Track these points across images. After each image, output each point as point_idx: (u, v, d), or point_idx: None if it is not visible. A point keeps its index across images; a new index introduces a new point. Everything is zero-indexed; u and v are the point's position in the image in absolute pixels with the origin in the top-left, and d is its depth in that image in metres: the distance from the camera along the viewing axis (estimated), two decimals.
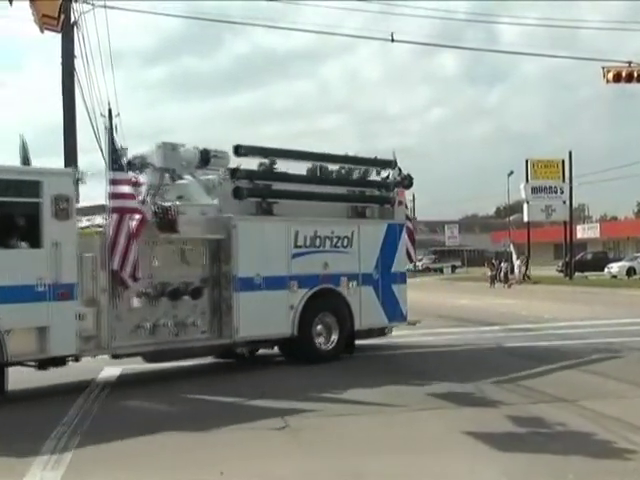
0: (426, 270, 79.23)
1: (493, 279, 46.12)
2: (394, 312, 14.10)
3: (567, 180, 53.86)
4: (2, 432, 8.17)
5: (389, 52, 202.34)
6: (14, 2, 16.70)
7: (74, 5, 18.63)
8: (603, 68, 21.97)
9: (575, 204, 65.56)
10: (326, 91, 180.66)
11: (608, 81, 21.94)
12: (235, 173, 12.47)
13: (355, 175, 14.46)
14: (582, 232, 68.67)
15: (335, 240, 13.27)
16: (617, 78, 21.74)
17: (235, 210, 12.28)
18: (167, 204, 11.64)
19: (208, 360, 13.00)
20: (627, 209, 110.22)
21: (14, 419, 8.94)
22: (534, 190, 54.49)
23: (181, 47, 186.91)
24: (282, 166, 14.36)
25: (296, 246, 12.75)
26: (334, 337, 13.09)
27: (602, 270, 51.02)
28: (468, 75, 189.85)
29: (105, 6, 19.71)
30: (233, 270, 11.92)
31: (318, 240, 13.04)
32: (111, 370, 12.19)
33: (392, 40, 21.19)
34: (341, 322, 13.17)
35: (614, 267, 50.89)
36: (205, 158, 12.24)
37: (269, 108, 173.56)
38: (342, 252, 13.35)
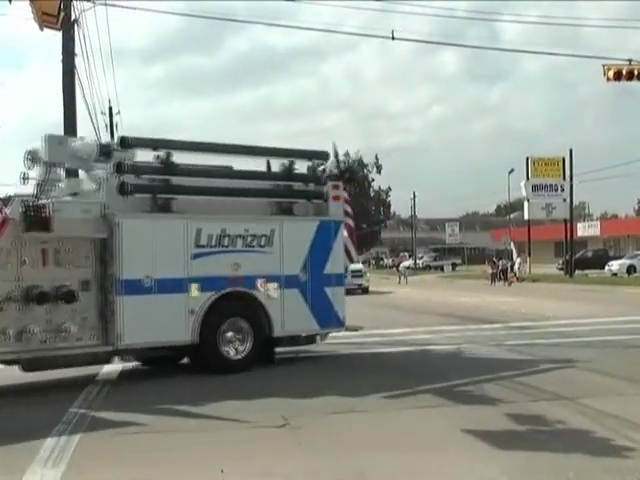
0: (426, 268, 79.46)
1: (494, 277, 46.14)
2: (327, 317, 12.89)
3: (568, 178, 53.92)
4: (2, 429, 8.18)
5: (390, 50, 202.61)
6: (13, 1, 16.77)
7: (75, 3, 18.65)
8: (604, 66, 21.98)
9: (576, 202, 65.81)
10: (328, 89, 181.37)
11: (609, 79, 21.95)
12: (120, 167, 11.28)
13: (281, 168, 12.94)
14: (582, 230, 68.64)
15: (250, 239, 12.14)
16: (617, 76, 21.75)
17: (124, 207, 11.25)
18: (42, 201, 10.76)
19: None
20: (628, 207, 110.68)
21: (14, 416, 8.95)
22: (535, 188, 54.62)
23: (183, 45, 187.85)
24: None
25: (198, 246, 11.66)
26: (247, 345, 12.03)
27: (602, 268, 51.02)
28: (469, 73, 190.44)
29: (106, 4, 19.77)
30: (116, 272, 10.92)
31: (227, 239, 11.92)
32: (112, 367, 12.19)
33: (393, 38, 21.20)
34: (256, 328, 12.09)
35: (614, 265, 50.89)
36: (105, 151, 11.42)
37: (271, 106, 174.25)
38: (259, 252, 12.19)
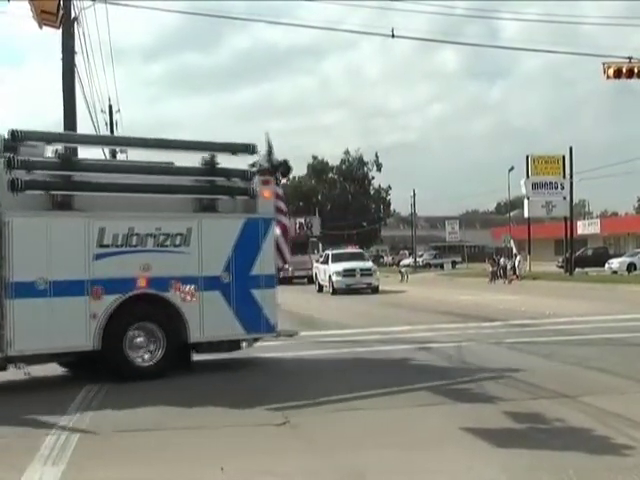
0: (426, 266, 79.44)
1: (494, 275, 46.11)
2: (255, 321, 12.03)
3: (567, 176, 53.88)
4: (3, 427, 8.19)
5: (391, 48, 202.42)
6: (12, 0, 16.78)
7: (74, 1, 18.61)
8: (604, 64, 21.94)
9: (575, 200, 65.83)
10: (328, 87, 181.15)
11: (609, 77, 21.92)
12: (10, 163, 10.49)
13: (202, 163, 12.03)
14: (582, 228, 68.74)
15: (162, 238, 11.37)
16: (617, 74, 21.73)
17: (16, 205, 10.46)
18: None
19: (208, 357, 12.98)
20: (627, 205, 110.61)
21: (15, 414, 8.94)
22: (535, 186, 54.59)
23: (183, 43, 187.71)
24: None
25: (101, 245, 10.92)
26: (159, 351, 11.31)
27: (602, 266, 51.03)
28: (469, 71, 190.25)
29: (106, 1, 19.75)
30: (7, 274, 10.26)
31: (135, 238, 11.17)
32: None
33: (392, 36, 21.18)
34: (169, 333, 11.36)
35: (614, 263, 50.91)
36: (9, 146, 10.79)
37: (271, 104, 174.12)
38: (173, 252, 11.43)
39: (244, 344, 12.39)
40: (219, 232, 11.85)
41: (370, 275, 36.32)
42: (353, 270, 35.76)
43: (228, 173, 12.37)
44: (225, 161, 12.50)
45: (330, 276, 36.13)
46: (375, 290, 35.78)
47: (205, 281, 11.64)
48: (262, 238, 12.17)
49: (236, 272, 11.87)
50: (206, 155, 12.14)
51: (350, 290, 34.87)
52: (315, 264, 41.39)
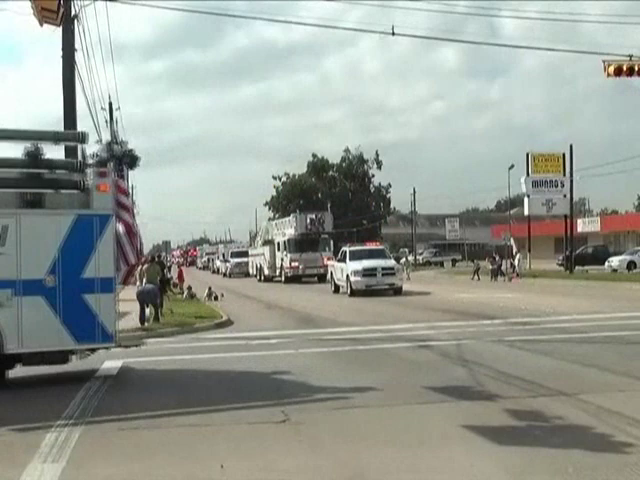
0: (426, 264, 79.45)
1: (494, 273, 46.09)
2: (87, 330, 10.81)
3: (568, 174, 53.88)
4: (3, 424, 8.20)
5: (390, 45, 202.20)
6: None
7: None
8: (604, 62, 21.91)
9: (575, 198, 65.75)
10: (328, 84, 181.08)
11: (609, 75, 21.86)
12: None
13: (24, 153, 10.95)
14: (582, 226, 68.64)
15: None
16: (618, 72, 21.67)
17: None
18: None
19: (207, 355, 13.01)
20: (627, 203, 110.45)
21: (15, 412, 8.96)
22: (535, 184, 54.58)
23: (183, 40, 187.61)
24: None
25: None
26: None
27: (602, 264, 50.95)
28: (469, 68, 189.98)
29: None
30: None
31: None
32: (112, 363, 12.20)
33: (392, 34, 21.15)
34: None
35: (614, 261, 50.81)
36: None
37: (271, 101, 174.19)
38: None
39: (74, 356, 11.30)
40: (42, 230, 10.73)
41: (393, 275, 31.91)
42: (374, 269, 31.39)
43: (51, 164, 11.30)
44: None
45: (348, 276, 31.85)
46: (398, 291, 31.60)
47: (24, 285, 10.51)
48: (97, 237, 10.95)
49: (64, 275, 10.72)
50: (29, 145, 11.13)
51: (370, 291, 30.95)
52: (330, 262, 38.10)
